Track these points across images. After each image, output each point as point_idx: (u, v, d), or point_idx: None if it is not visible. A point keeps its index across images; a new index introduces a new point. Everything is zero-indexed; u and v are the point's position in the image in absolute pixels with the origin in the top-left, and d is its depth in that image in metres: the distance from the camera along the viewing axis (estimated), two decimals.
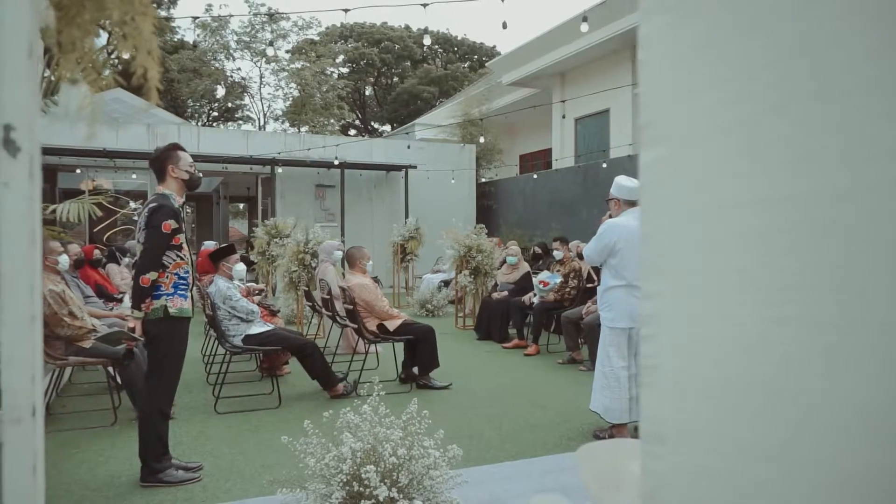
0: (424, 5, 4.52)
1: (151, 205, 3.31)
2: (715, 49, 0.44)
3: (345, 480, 2.41)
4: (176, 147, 3.49)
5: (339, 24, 32.78)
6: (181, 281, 3.38)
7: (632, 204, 3.97)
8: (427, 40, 5.84)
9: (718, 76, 0.43)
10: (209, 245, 8.58)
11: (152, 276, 3.21)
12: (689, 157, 0.45)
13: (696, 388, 0.44)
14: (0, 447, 0.63)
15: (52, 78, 0.79)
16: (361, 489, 2.37)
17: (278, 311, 6.46)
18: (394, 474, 2.43)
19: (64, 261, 4.32)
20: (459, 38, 36.74)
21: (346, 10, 4.70)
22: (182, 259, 3.38)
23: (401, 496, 2.38)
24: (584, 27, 7.02)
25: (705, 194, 0.44)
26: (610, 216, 4.41)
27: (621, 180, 4.02)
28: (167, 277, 3.30)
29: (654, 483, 0.48)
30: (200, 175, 3.64)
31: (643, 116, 0.48)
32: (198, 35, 27.97)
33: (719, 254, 0.43)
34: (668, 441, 0.46)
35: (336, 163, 11.83)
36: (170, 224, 3.27)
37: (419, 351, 5.33)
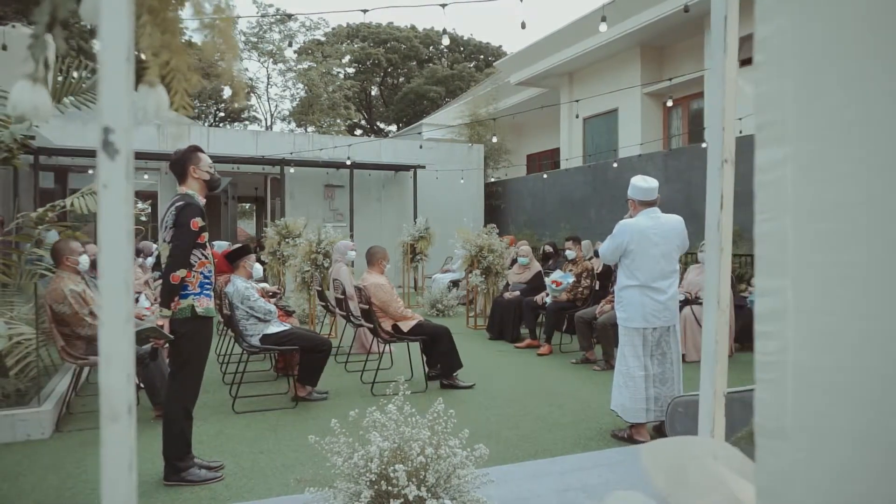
0: (443, 6, 4.53)
1: (178, 203, 3.33)
2: (837, 48, 0.44)
3: (373, 479, 2.42)
4: (196, 149, 3.51)
5: (345, 25, 32.83)
6: (206, 280, 3.41)
7: (648, 205, 3.98)
8: (445, 41, 5.85)
9: (842, 76, 0.44)
10: (222, 245, 8.61)
11: (181, 273, 3.24)
12: (812, 156, 0.46)
13: (824, 383, 0.44)
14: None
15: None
16: (390, 488, 2.38)
17: (293, 312, 6.48)
18: (421, 473, 2.44)
19: (84, 261, 4.35)
20: (466, 37, 36.75)
21: (364, 11, 4.71)
22: (206, 258, 3.42)
23: (429, 495, 2.39)
24: (603, 27, 7.00)
25: (830, 192, 0.45)
26: (631, 217, 4.41)
27: (638, 181, 4.01)
28: (193, 276, 3.33)
29: (771, 478, 0.48)
30: (220, 176, 3.67)
31: (760, 118, 0.49)
32: (206, 35, 28.05)
33: (847, 250, 0.44)
34: (789, 436, 0.47)
35: (348, 163, 11.87)
36: (197, 222, 3.30)
37: (440, 353, 5.33)
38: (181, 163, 3.45)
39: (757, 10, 0.49)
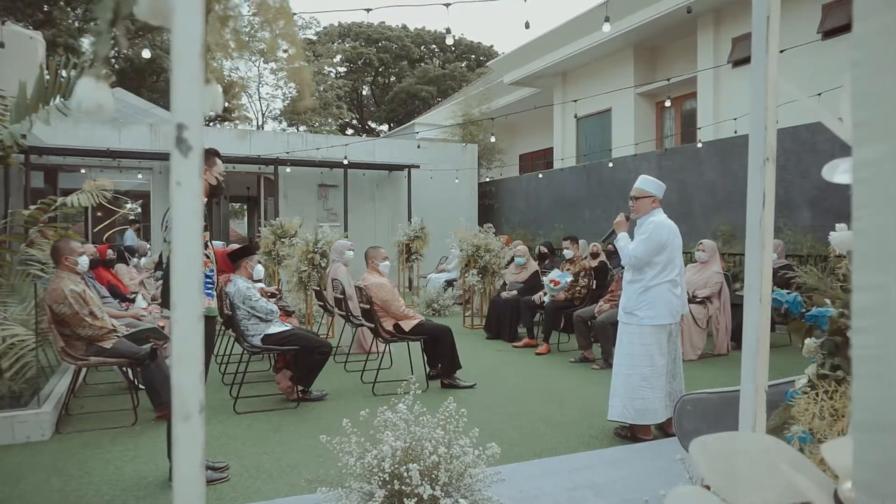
0: (447, 5, 4.53)
1: None
2: None
3: (385, 479, 2.42)
4: (215, 153, 3.47)
5: (336, 24, 32.73)
6: (207, 280, 3.38)
7: (661, 203, 4.08)
8: (449, 40, 5.82)
9: None
10: (217, 245, 8.54)
11: None
12: None
13: None
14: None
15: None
16: (403, 487, 2.38)
17: (293, 312, 6.45)
18: (434, 472, 2.44)
19: (84, 262, 4.31)
20: (457, 37, 36.74)
21: (368, 10, 4.70)
22: (207, 258, 3.39)
23: (443, 494, 2.39)
24: (606, 27, 7.02)
25: None
26: (627, 217, 4.43)
27: (655, 180, 4.11)
28: None
29: (872, 471, 0.49)
30: (225, 186, 3.63)
31: (857, 116, 0.50)
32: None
33: None
34: (893, 429, 0.47)
35: (345, 162, 11.83)
36: None
37: (439, 353, 5.33)
38: None
39: (855, 8, 0.49)
